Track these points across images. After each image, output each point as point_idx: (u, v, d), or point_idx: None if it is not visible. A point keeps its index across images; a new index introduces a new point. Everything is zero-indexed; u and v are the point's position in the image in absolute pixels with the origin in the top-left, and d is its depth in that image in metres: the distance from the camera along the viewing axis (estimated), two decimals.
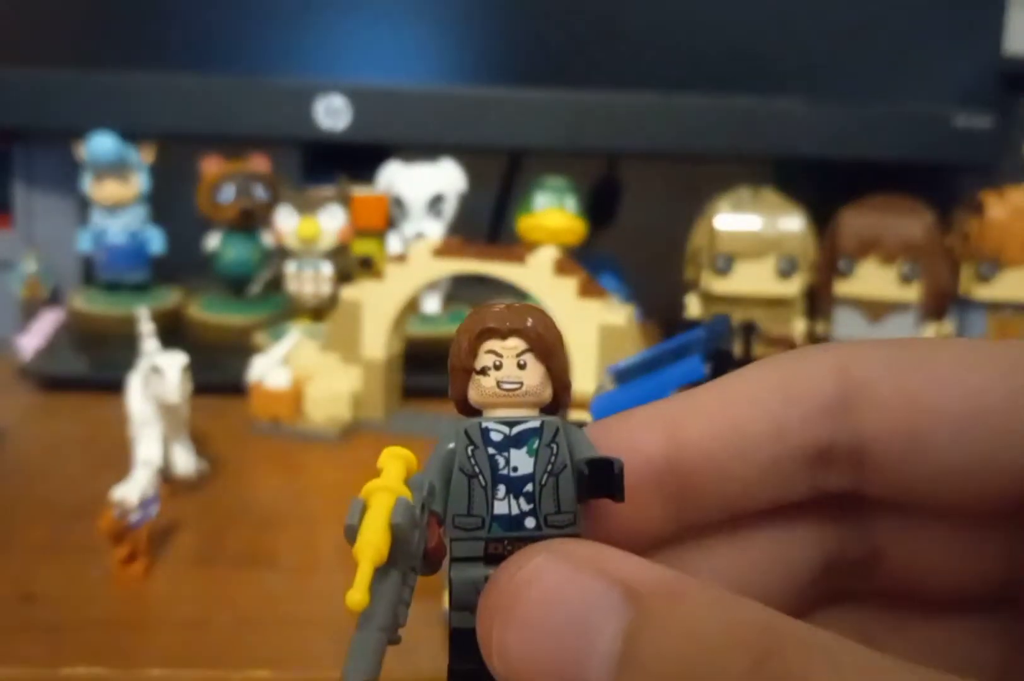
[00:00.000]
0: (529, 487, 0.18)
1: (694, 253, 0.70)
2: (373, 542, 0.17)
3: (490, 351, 0.18)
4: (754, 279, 0.67)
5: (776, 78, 0.74)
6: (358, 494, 0.45)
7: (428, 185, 0.67)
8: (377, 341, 0.56)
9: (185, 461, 0.49)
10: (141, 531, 0.41)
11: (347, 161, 0.71)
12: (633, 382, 0.39)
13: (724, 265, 0.67)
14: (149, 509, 0.42)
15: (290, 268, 0.64)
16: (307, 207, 0.62)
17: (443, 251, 0.54)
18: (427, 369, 0.62)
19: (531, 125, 0.72)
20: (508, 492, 0.18)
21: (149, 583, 0.41)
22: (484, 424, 0.18)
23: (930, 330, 0.68)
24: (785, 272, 0.67)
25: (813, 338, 0.70)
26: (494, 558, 0.18)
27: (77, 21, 0.72)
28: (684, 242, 0.70)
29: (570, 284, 0.52)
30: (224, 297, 0.71)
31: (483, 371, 0.18)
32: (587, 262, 0.57)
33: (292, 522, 0.46)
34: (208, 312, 0.69)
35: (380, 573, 0.17)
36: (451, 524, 0.18)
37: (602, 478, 0.18)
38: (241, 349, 0.63)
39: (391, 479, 0.18)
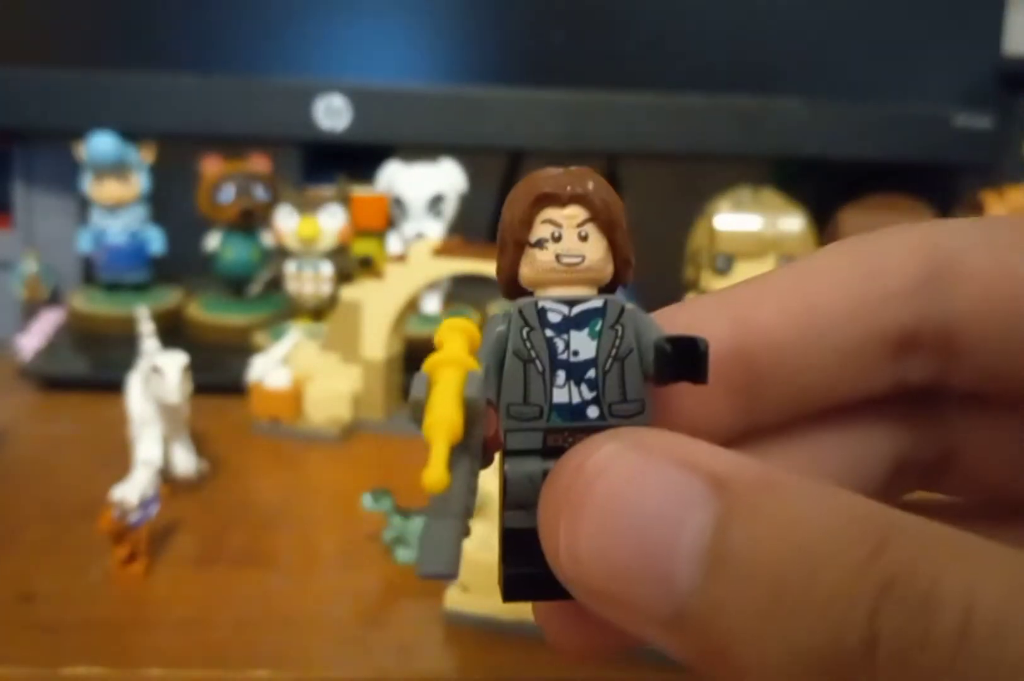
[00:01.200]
0: (591, 373, 0.16)
1: (694, 253, 0.70)
2: (447, 417, 0.15)
3: (547, 221, 0.16)
4: None
5: (776, 78, 0.74)
6: (360, 491, 0.45)
7: (428, 185, 0.67)
8: (377, 341, 0.56)
9: (185, 461, 0.49)
10: (141, 531, 0.41)
11: (347, 161, 0.71)
12: None
13: (724, 265, 0.67)
14: (149, 509, 0.42)
15: (290, 268, 0.64)
16: (307, 207, 0.62)
17: (443, 251, 0.54)
18: None
19: (531, 125, 0.72)
20: (568, 378, 0.16)
21: (149, 583, 0.41)
22: (541, 303, 0.16)
23: None
24: None
25: None
26: (553, 451, 0.16)
27: (77, 21, 0.72)
28: (684, 242, 0.70)
29: None
30: (224, 297, 0.71)
31: (539, 244, 0.16)
32: None
33: (292, 522, 0.46)
34: (208, 312, 0.69)
35: (454, 453, 0.15)
36: (505, 413, 0.16)
37: (685, 358, 0.16)
38: (241, 349, 0.63)
39: (456, 351, 0.16)
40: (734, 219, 0.67)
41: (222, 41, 0.71)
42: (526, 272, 0.16)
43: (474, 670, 0.36)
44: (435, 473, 0.15)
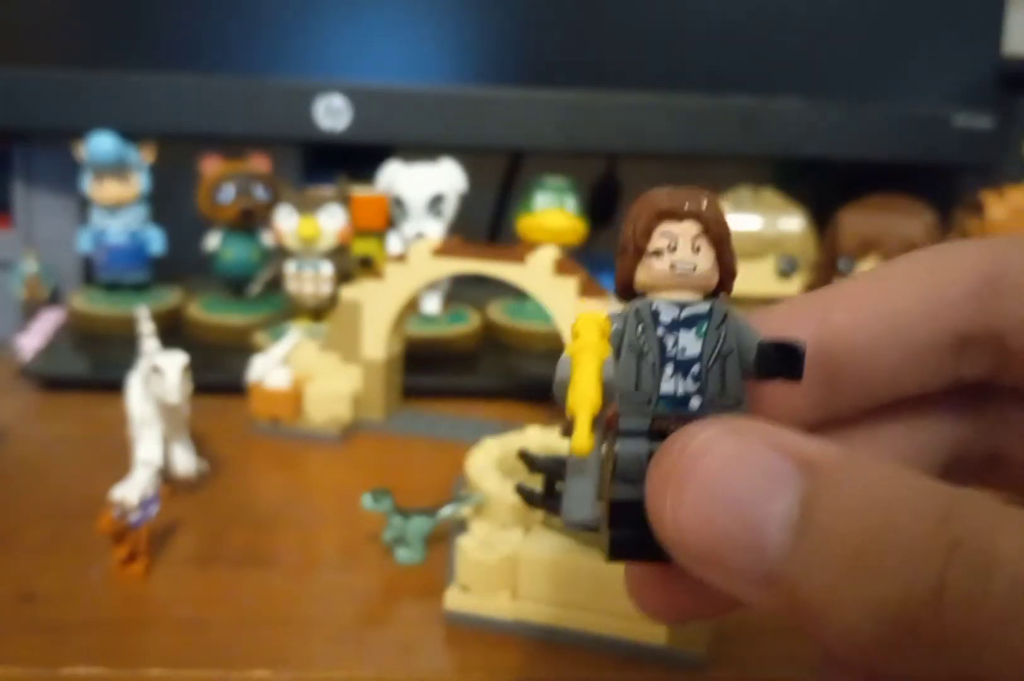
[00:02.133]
0: (696, 368, 0.18)
1: None
2: (588, 395, 0.17)
3: (665, 233, 0.19)
4: (754, 279, 0.67)
5: (776, 78, 0.74)
6: (360, 491, 0.45)
7: (428, 185, 0.67)
8: (377, 341, 0.56)
9: (185, 461, 0.49)
10: (141, 531, 0.41)
11: (347, 161, 0.71)
12: None
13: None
14: (149, 509, 0.42)
15: (290, 268, 0.64)
16: (307, 207, 0.62)
17: (443, 251, 0.54)
18: (427, 369, 0.62)
19: (531, 125, 0.72)
20: (675, 372, 0.18)
21: (149, 583, 0.41)
22: (655, 305, 0.19)
23: None
24: (785, 272, 0.67)
25: None
26: (659, 434, 0.18)
27: (77, 21, 0.72)
28: None
29: (570, 284, 0.52)
30: (224, 297, 0.71)
31: (657, 253, 0.19)
32: (587, 262, 0.57)
33: (292, 522, 0.46)
34: (208, 312, 0.69)
35: (592, 426, 0.18)
36: (619, 399, 0.18)
37: (786, 359, 0.18)
38: (241, 349, 0.63)
39: (594, 339, 0.18)
40: (734, 219, 0.67)
41: (222, 41, 0.71)
42: (643, 277, 0.19)
43: (474, 670, 0.36)
44: (581, 441, 0.17)
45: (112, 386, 0.54)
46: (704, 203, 0.19)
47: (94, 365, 0.64)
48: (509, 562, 0.38)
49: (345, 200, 0.63)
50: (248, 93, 0.71)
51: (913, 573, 0.15)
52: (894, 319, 0.19)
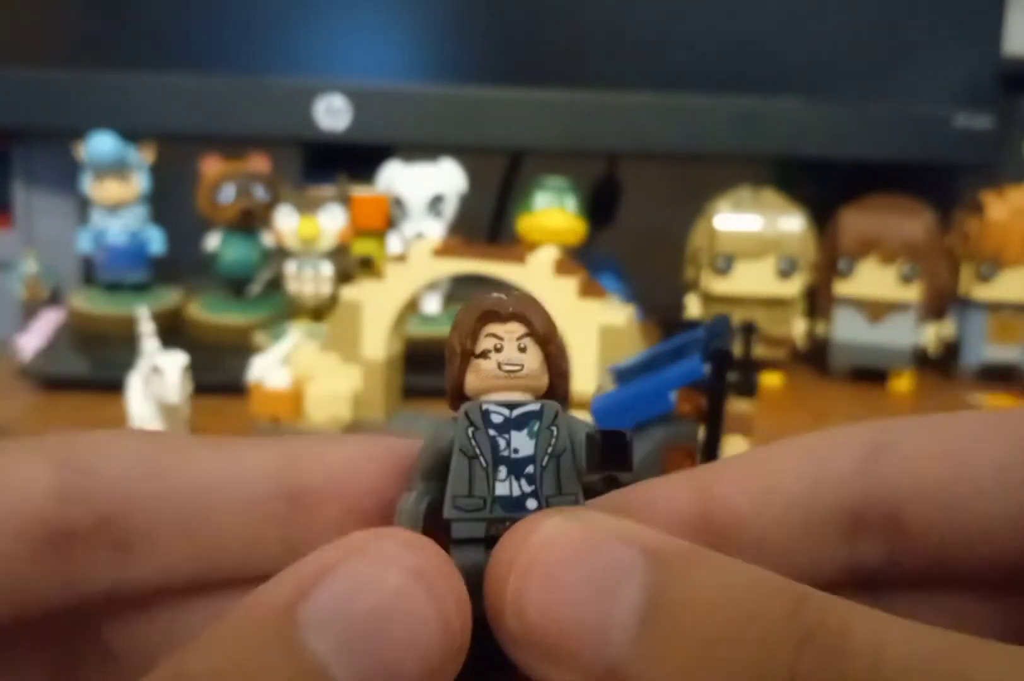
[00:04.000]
0: (530, 468, 0.18)
1: (694, 253, 0.70)
2: None
3: (491, 334, 0.18)
4: (754, 279, 0.67)
5: (776, 78, 0.74)
6: None
7: (428, 185, 0.68)
8: (377, 341, 0.56)
9: None
10: None
11: (347, 161, 0.71)
12: (633, 382, 0.39)
13: (724, 265, 0.67)
14: None
15: (290, 268, 0.64)
16: (307, 207, 0.62)
17: (443, 251, 0.54)
18: (427, 369, 0.62)
19: (531, 125, 0.72)
20: (509, 473, 0.18)
21: None
22: (485, 406, 0.18)
23: (930, 330, 0.68)
24: (785, 272, 0.67)
25: (813, 338, 0.70)
26: (495, 540, 0.18)
27: (77, 21, 0.72)
28: (684, 242, 0.70)
29: (570, 284, 0.52)
30: (224, 297, 0.71)
31: (484, 354, 0.18)
32: (587, 262, 0.57)
33: None
34: (208, 312, 0.69)
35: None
36: (451, 505, 0.18)
37: (614, 449, 0.18)
38: (241, 349, 0.63)
39: None
40: (734, 219, 0.67)
41: (222, 41, 0.71)
42: (472, 380, 0.19)
43: None
44: None
45: (112, 386, 0.54)
46: (527, 305, 0.19)
47: (94, 365, 0.64)
48: None
49: (345, 200, 0.63)
50: (248, 93, 0.71)
51: (762, 667, 0.14)
52: (775, 495, 0.18)
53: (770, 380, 0.68)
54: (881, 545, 0.18)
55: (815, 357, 0.71)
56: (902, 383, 0.68)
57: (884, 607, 0.17)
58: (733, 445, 0.51)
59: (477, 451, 0.18)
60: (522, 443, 0.18)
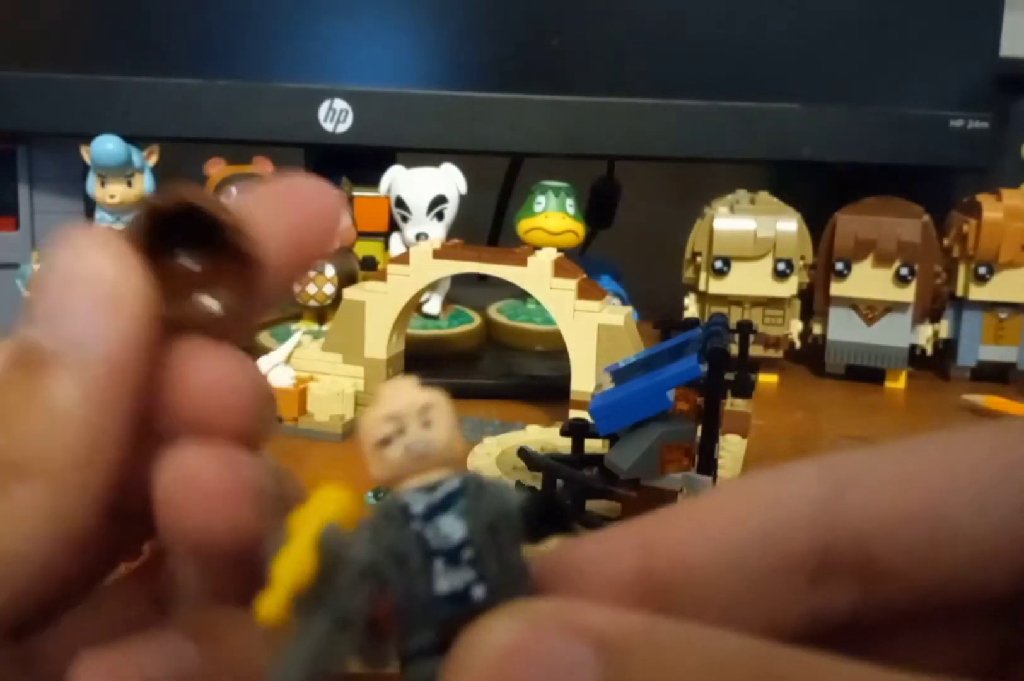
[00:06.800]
0: (468, 553, 0.16)
1: (692, 254, 0.70)
2: (295, 560, 0.15)
3: (388, 418, 0.17)
4: (751, 280, 0.68)
5: (773, 82, 0.75)
6: (363, 489, 0.46)
7: (430, 188, 0.68)
8: (379, 341, 0.57)
9: None
10: None
11: (350, 164, 0.72)
12: (631, 381, 0.39)
13: (722, 266, 0.68)
14: None
15: None
16: None
17: (444, 253, 0.54)
18: (428, 368, 0.62)
19: (531, 129, 0.73)
20: (447, 564, 0.16)
21: None
22: (401, 498, 0.16)
23: (926, 331, 0.69)
24: (782, 273, 0.67)
25: (809, 338, 0.71)
26: (447, 644, 0.16)
27: (83, 25, 0.73)
28: (682, 244, 0.71)
29: (570, 285, 0.53)
30: None
31: (385, 442, 0.17)
32: (586, 264, 0.58)
33: None
34: None
35: (302, 611, 0.15)
36: (396, 613, 0.16)
37: (552, 516, 0.17)
38: (244, 349, 0.63)
39: (321, 509, 0.16)
40: (731, 221, 0.68)
41: (227, 46, 0.72)
42: (376, 471, 0.17)
43: None
44: (270, 607, 0.15)
45: None
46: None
47: None
48: None
49: (348, 202, 0.64)
50: (253, 97, 0.72)
51: None
52: (727, 544, 0.17)
53: (766, 380, 0.69)
54: (852, 587, 0.17)
55: (811, 357, 0.72)
56: (898, 383, 0.69)
57: (853, 649, 0.16)
58: (730, 443, 0.51)
59: (405, 550, 0.16)
60: (452, 527, 0.16)
